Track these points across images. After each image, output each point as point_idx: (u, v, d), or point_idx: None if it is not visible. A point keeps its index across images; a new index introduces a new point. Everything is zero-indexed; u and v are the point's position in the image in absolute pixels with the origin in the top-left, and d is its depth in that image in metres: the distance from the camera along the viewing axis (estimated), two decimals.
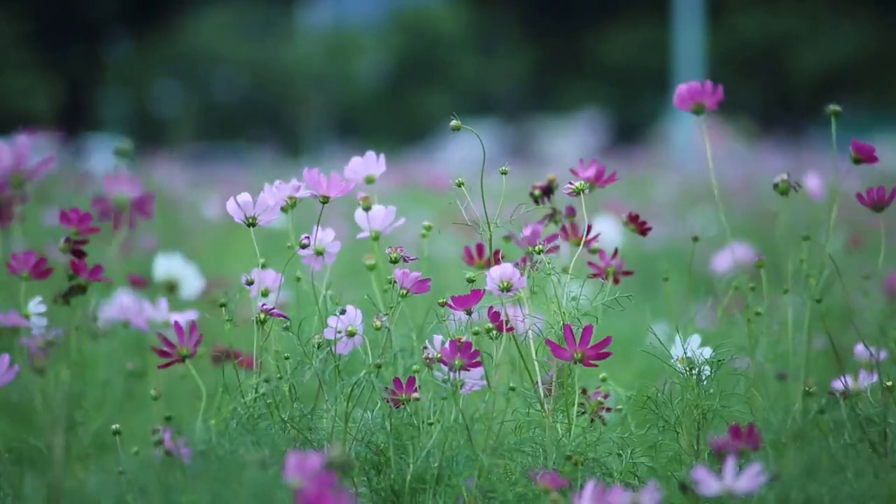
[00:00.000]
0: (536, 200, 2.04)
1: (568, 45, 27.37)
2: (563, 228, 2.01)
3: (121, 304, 2.40)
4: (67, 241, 1.80)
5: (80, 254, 1.81)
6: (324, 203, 1.85)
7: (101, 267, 1.82)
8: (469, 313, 1.79)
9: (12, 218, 1.61)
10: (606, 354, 1.74)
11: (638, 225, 1.99)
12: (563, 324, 1.77)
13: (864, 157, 1.82)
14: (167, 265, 2.81)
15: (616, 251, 1.98)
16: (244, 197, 1.82)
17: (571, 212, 2.03)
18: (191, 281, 2.82)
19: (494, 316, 1.79)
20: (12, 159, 1.58)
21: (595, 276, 1.96)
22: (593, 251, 1.97)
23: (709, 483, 1.50)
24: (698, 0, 17.99)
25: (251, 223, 1.83)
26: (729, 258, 3.41)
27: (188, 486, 1.57)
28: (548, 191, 2.04)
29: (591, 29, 27.18)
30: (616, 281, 1.95)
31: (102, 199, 1.62)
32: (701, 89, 1.88)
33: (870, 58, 25.16)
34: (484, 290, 1.79)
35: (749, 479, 1.50)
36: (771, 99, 24.92)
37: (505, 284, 1.79)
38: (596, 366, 1.76)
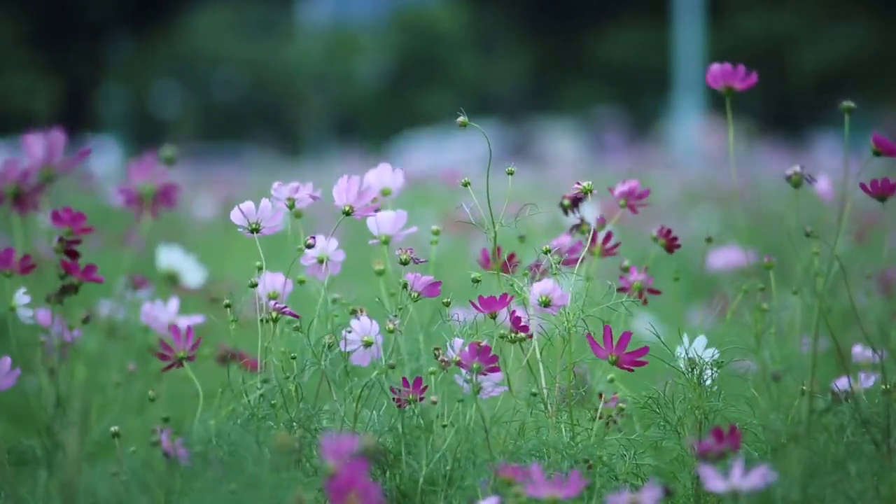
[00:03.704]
0: (566, 211, 2.02)
1: (568, 45, 27.38)
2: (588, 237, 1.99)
3: (143, 309, 2.38)
4: (61, 241, 1.79)
5: (74, 254, 1.80)
6: (347, 214, 1.84)
7: (94, 266, 1.81)
8: (493, 317, 1.78)
9: (34, 207, 1.60)
10: (642, 362, 1.74)
11: (668, 241, 2.00)
12: (568, 326, 1.76)
13: (885, 150, 1.81)
14: (168, 257, 2.79)
15: (646, 267, 1.99)
16: (247, 205, 1.82)
17: (602, 222, 2.02)
18: (191, 272, 2.81)
19: (516, 320, 1.77)
20: (45, 151, 1.57)
21: (622, 290, 1.96)
22: (625, 269, 1.97)
23: (715, 482, 1.50)
24: (698, 0, 17.99)
25: (254, 229, 1.83)
26: (725, 258, 3.42)
27: (186, 486, 1.56)
28: (577, 201, 2.03)
29: (592, 29, 27.19)
30: (641, 297, 1.95)
31: (126, 188, 1.60)
32: (732, 71, 1.92)
33: (870, 58, 25.17)
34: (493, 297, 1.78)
35: (755, 478, 1.50)
36: (771, 99, 24.91)
37: (544, 299, 1.78)
38: (631, 370, 1.75)
